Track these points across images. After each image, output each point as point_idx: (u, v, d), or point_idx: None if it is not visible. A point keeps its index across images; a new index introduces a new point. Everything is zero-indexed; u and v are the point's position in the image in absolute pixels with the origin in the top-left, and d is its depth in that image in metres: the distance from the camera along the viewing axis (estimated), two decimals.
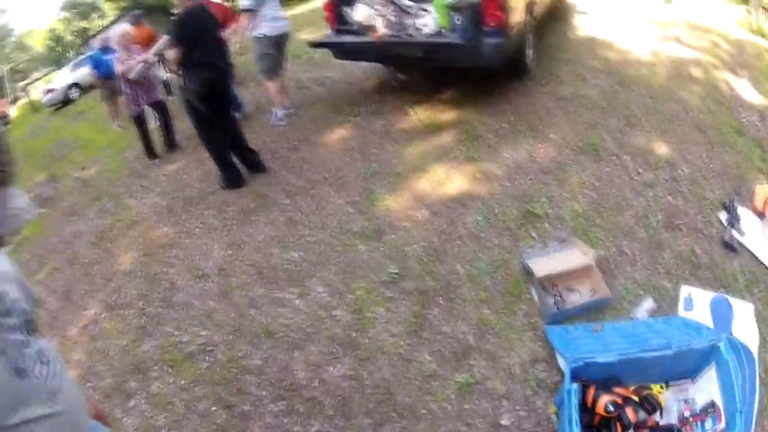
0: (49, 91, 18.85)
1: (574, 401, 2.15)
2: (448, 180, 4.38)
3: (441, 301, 3.25)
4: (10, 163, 1.20)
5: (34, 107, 21.07)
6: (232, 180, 5.10)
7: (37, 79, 32.24)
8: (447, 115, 5.43)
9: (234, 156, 5.13)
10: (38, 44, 48.54)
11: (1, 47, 38.68)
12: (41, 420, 1.20)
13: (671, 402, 2.40)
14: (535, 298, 3.12)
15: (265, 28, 5.68)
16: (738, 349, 2.27)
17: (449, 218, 3.93)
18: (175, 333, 3.62)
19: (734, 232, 3.60)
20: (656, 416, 2.32)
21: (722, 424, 2.20)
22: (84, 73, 17.23)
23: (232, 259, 4.12)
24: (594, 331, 2.79)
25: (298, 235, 4.18)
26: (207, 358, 3.34)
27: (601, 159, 4.27)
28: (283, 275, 3.81)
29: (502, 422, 2.55)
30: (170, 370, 3.34)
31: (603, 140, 4.50)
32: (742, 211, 3.81)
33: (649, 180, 4.01)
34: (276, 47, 5.88)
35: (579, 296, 3.13)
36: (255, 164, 5.24)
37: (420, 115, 5.54)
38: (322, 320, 3.33)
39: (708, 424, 2.25)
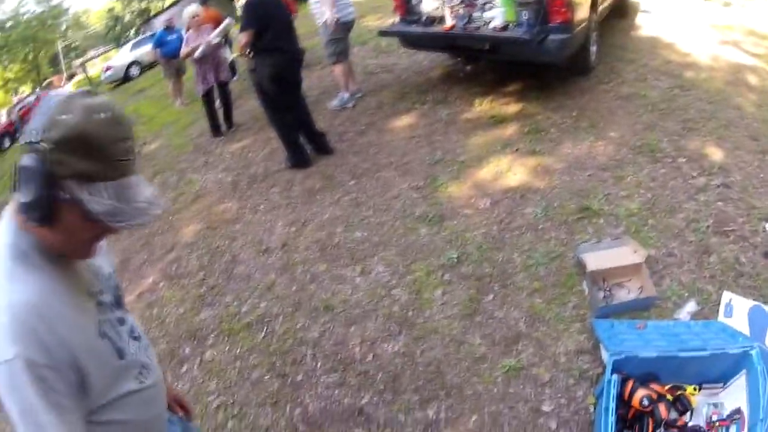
0: (109, 68, 19.23)
1: (613, 392, 2.18)
2: (510, 171, 4.44)
3: (496, 288, 3.29)
4: (134, 151, 1.08)
5: (92, 83, 21.58)
6: (300, 160, 5.21)
7: (94, 57, 33.06)
8: (511, 107, 5.48)
9: (302, 137, 5.23)
10: (94, 23, 49.42)
11: (57, 25, 39.46)
12: (132, 395, 1.23)
13: (702, 404, 2.38)
14: (586, 291, 3.15)
15: (338, 13, 5.81)
16: None
17: (509, 208, 4.00)
18: (234, 303, 3.74)
19: None
20: (686, 416, 2.32)
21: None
22: (144, 51, 17.62)
23: (296, 235, 4.23)
24: (638, 328, 2.80)
25: (362, 216, 4.27)
26: (264, 328, 3.44)
27: (658, 160, 4.26)
28: (345, 253, 3.90)
29: (543, 408, 2.57)
30: (226, 339, 3.44)
31: (660, 141, 4.49)
32: None
33: (702, 185, 3.97)
34: (346, 32, 6.03)
35: (627, 293, 3.14)
36: (322, 146, 5.35)
37: (485, 106, 5.61)
38: (381, 298, 3.41)
39: (732, 430, 2.22)
